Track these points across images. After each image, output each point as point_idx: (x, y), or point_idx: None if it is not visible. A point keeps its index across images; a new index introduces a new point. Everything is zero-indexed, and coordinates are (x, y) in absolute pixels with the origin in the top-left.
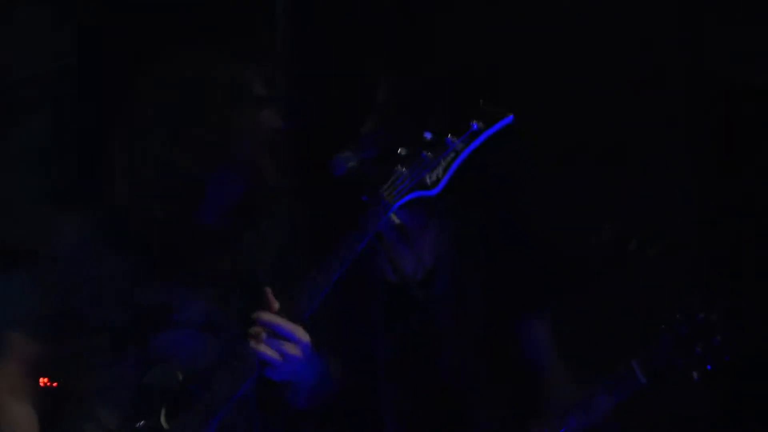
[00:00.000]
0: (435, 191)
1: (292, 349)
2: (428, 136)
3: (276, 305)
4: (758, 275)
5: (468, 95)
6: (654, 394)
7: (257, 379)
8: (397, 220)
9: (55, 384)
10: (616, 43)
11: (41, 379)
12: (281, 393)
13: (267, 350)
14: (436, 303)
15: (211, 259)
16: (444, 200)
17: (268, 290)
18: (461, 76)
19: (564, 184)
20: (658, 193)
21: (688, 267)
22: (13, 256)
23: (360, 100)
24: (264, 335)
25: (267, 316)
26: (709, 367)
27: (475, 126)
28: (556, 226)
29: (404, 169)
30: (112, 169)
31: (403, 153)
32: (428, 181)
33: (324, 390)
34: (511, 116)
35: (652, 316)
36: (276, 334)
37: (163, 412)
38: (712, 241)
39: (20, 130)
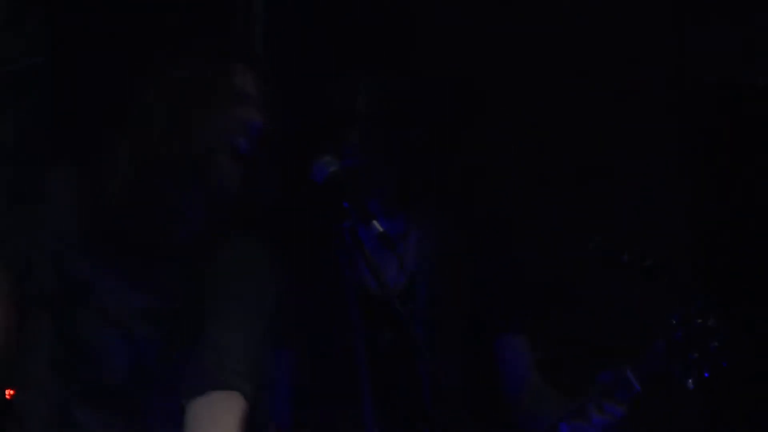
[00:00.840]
0: None
1: None
2: None
3: None
4: (754, 281)
5: (455, 102)
6: (647, 400)
7: None
8: (379, 228)
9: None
10: (608, 49)
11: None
12: None
13: None
14: (416, 316)
15: (161, 265)
16: (425, 209)
17: None
18: (447, 82)
19: (554, 193)
20: (651, 201)
21: (682, 276)
22: None
23: (343, 106)
24: None
25: None
26: (706, 374)
27: None
28: (545, 236)
29: None
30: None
31: None
32: None
33: None
34: None
35: (646, 325)
36: None
37: None
38: (706, 249)
39: None
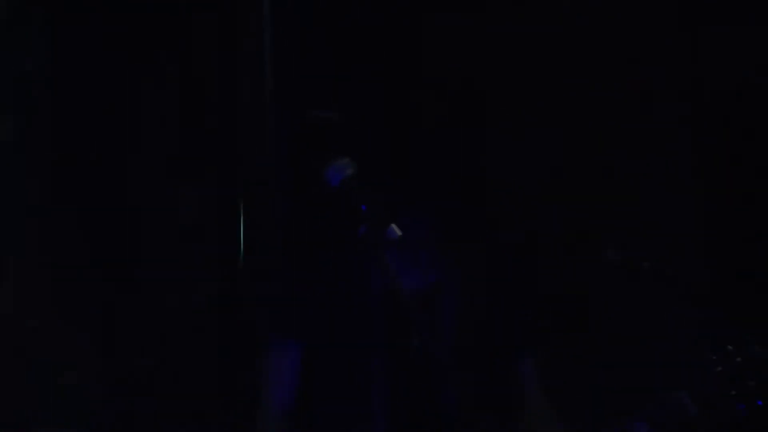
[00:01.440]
0: None
1: None
2: None
3: None
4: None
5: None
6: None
7: None
8: (398, 232)
9: None
10: (619, 50)
11: None
12: None
13: None
14: (431, 323)
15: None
16: (445, 222)
17: None
18: (459, 87)
19: (567, 202)
20: (664, 206)
21: (699, 284)
22: None
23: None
24: None
25: None
26: (759, 402)
27: None
28: (560, 246)
29: None
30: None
31: None
32: None
33: None
34: None
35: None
36: None
37: None
38: (720, 256)
39: None
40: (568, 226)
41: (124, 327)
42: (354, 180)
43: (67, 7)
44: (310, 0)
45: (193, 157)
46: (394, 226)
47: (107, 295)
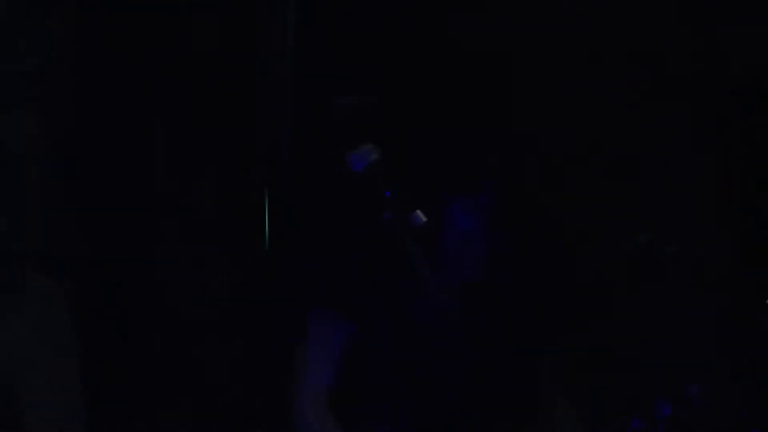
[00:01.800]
0: None
1: None
2: None
3: None
4: None
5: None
6: None
7: None
8: (423, 218)
9: None
10: (640, 46)
11: None
12: None
13: None
14: (457, 313)
15: None
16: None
17: None
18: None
19: (578, 193)
20: (682, 198)
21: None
22: None
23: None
24: None
25: None
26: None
27: None
28: (583, 236)
29: None
30: None
31: None
32: None
33: None
34: None
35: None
36: None
37: None
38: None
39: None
40: (569, 226)
41: (138, 325)
42: (379, 166)
43: (67, 6)
44: None
45: (204, 154)
46: (419, 212)
47: (118, 294)
